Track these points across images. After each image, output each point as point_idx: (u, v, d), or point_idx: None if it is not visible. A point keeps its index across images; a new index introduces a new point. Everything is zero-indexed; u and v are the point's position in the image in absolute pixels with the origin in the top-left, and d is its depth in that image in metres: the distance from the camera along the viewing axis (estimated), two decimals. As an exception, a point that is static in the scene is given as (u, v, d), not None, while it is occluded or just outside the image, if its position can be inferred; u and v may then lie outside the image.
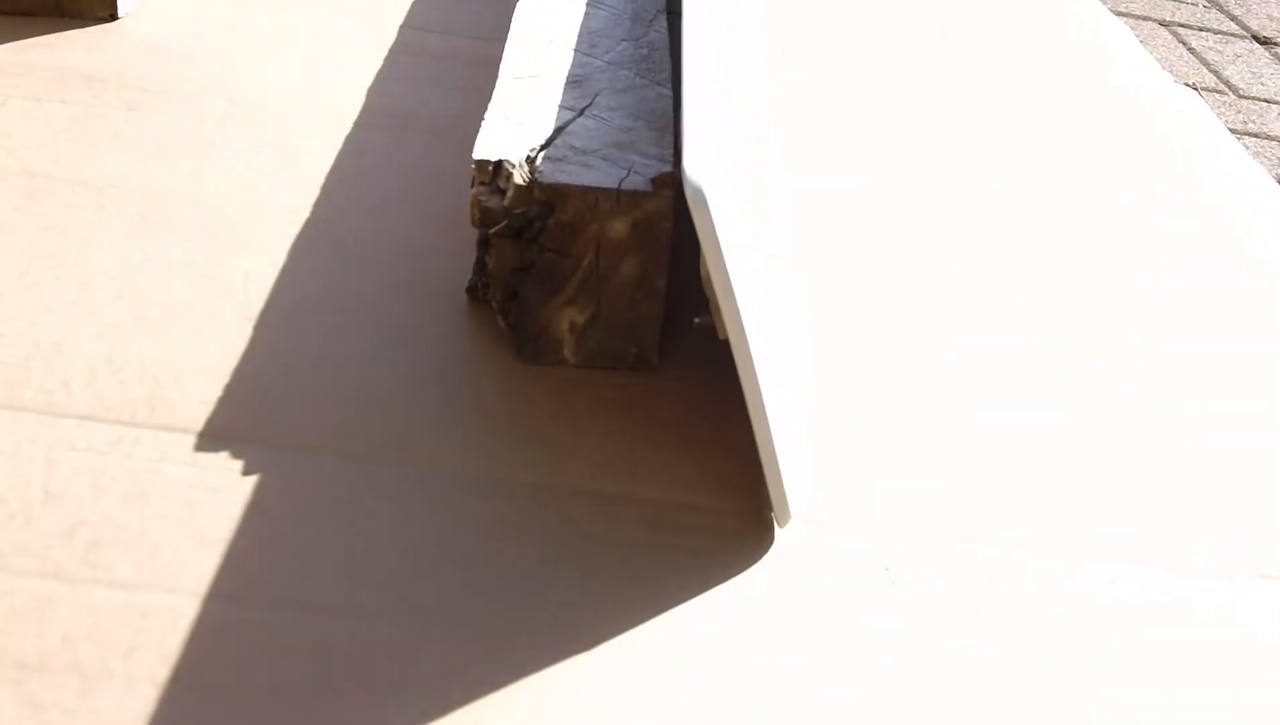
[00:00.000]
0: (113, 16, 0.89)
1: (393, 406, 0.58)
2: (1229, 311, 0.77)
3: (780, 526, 0.54)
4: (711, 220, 0.48)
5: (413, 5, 1.00)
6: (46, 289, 0.62)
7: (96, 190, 0.70)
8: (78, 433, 0.54)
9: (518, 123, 0.64)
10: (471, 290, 0.66)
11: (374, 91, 0.86)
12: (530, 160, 0.60)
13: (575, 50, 0.73)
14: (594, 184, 0.59)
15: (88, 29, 0.88)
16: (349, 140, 0.79)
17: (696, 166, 0.49)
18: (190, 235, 0.67)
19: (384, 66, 0.89)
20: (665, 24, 0.79)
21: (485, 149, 0.61)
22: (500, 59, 0.72)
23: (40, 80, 0.80)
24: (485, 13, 1.00)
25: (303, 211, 0.71)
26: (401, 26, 0.96)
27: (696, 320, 0.66)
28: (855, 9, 1.18)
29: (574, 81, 0.69)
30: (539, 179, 0.59)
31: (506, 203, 0.59)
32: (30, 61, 0.83)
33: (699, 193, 0.48)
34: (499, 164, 0.60)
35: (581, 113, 0.66)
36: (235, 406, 0.56)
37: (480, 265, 0.64)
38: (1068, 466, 0.61)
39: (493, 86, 0.68)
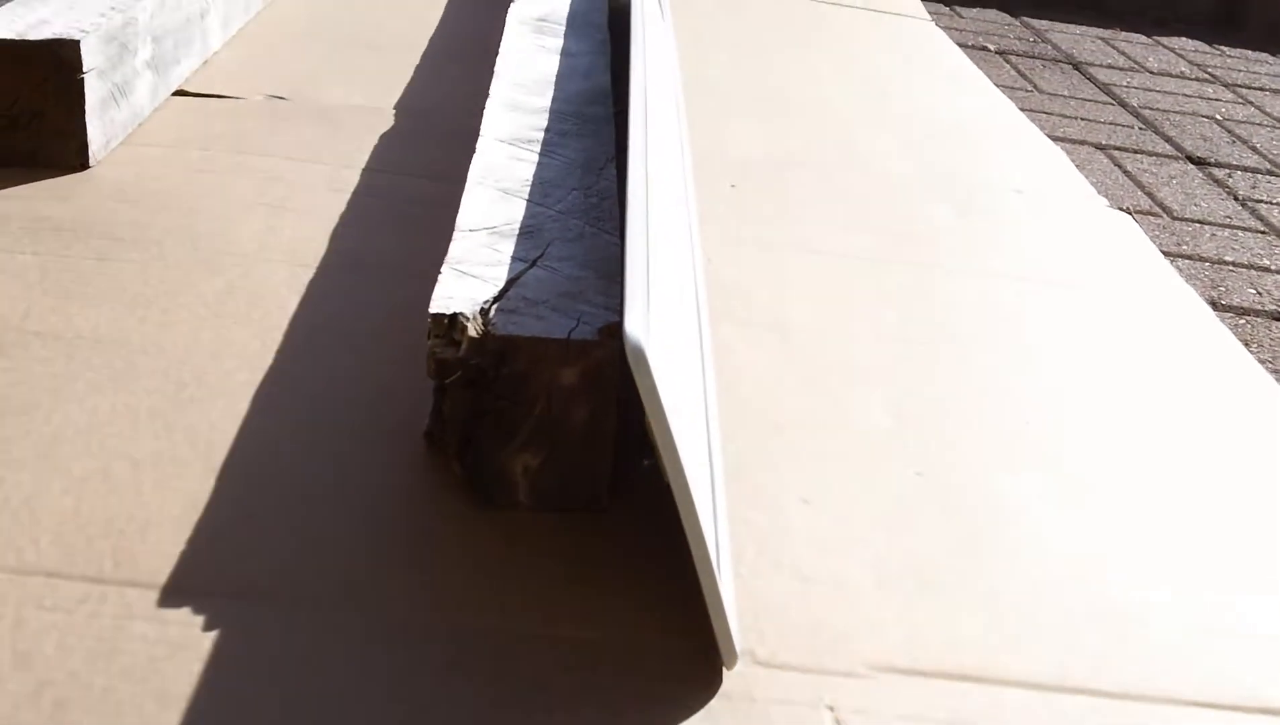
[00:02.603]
0: (84, 165, 0.93)
1: (352, 553, 0.60)
2: (1179, 430, 0.80)
3: (728, 669, 0.56)
4: (653, 381, 0.51)
5: (375, 148, 1.04)
6: (16, 444, 0.64)
7: (66, 342, 0.73)
8: (45, 590, 0.55)
9: (472, 275, 0.67)
10: (429, 435, 0.68)
11: (337, 234, 0.89)
12: (484, 312, 0.63)
13: (528, 201, 0.76)
14: (544, 334, 0.62)
15: (60, 178, 0.91)
16: (312, 283, 0.82)
17: (637, 326, 0.52)
18: (157, 386, 0.70)
19: (346, 209, 0.93)
20: (615, 172, 0.83)
21: (441, 303, 0.63)
22: (458, 202, 0.75)
23: (13, 232, 0.83)
24: (444, 155, 1.04)
25: (266, 357, 0.74)
26: (364, 169, 1.00)
27: (645, 462, 0.68)
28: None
29: (526, 232, 0.72)
30: (492, 331, 0.62)
31: (461, 354, 0.62)
32: (4, 213, 0.85)
33: (639, 354, 0.51)
34: (454, 317, 0.63)
35: (534, 263, 0.69)
36: (198, 559, 0.58)
37: (437, 411, 0.66)
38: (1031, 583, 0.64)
39: (451, 228, 0.71)
